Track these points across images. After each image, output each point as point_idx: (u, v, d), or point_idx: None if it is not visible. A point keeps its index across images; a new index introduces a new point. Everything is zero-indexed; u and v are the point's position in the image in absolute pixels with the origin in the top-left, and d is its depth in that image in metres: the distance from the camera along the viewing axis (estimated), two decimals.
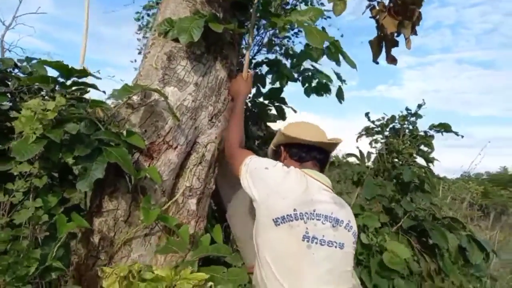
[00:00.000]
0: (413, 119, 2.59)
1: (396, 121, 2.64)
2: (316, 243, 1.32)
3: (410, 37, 1.91)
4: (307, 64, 2.48)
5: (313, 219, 1.34)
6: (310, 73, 2.50)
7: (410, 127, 2.60)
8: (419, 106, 2.54)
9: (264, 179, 1.43)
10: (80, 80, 1.44)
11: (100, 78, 1.54)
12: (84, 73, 1.40)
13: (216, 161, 1.87)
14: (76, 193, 1.51)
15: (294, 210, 1.34)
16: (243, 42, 2.13)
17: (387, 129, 2.64)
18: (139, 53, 4.27)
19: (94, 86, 1.47)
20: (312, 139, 1.53)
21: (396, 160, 2.45)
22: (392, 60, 2.03)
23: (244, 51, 1.98)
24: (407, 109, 2.62)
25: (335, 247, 1.34)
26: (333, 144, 1.60)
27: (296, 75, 2.56)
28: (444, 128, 2.39)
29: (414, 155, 2.41)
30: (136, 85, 1.50)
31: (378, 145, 2.61)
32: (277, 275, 1.30)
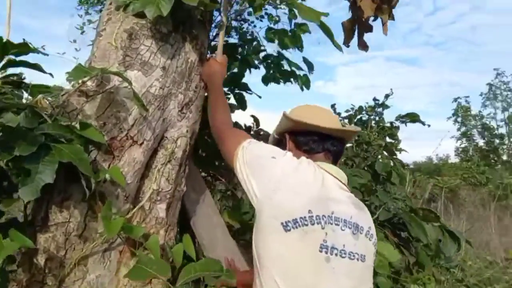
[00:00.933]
0: (380, 109, 2.56)
1: (364, 112, 2.58)
2: (336, 254, 1.06)
3: (387, 22, 1.82)
4: (270, 50, 2.31)
5: (331, 223, 1.08)
6: (273, 59, 2.33)
7: (377, 118, 2.56)
8: (387, 96, 2.51)
9: (270, 169, 1.13)
10: (17, 59, 1.11)
11: (47, 55, 1.22)
12: (24, 48, 1.07)
13: (187, 159, 1.62)
14: (15, 205, 1.19)
15: (309, 211, 1.06)
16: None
17: (355, 120, 2.58)
18: (82, 32, 3.79)
19: (38, 67, 1.14)
20: (326, 125, 1.24)
21: (365, 152, 2.38)
22: (363, 46, 1.92)
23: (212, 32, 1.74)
24: (374, 99, 2.58)
25: (357, 259, 1.09)
26: (351, 133, 1.36)
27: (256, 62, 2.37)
28: (411, 118, 2.37)
29: (383, 146, 2.36)
30: (93, 67, 1.20)
31: None
32: None
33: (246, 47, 2.38)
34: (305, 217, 1.05)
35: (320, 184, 1.13)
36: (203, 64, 1.64)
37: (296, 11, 1.35)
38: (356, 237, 1.12)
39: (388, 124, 2.44)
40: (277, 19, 2.21)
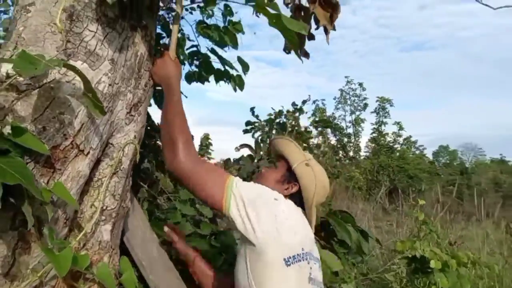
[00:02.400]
0: (296, 114, 2.65)
1: (283, 116, 2.64)
2: (318, 286, 1.23)
3: (330, 32, 1.89)
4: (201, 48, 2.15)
5: (312, 259, 1.22)
6: (200, 56, 2.18)
7: (293, 122, 2.65)
8: (304, 102, 2.61)
9: (274, 209, 1.19)
10: None
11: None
12: None
13: (133, 169, 1.38)
14: None
15: (302, 249, 1.19)
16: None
17: (274, 125, 2.61)
18: None
19: None
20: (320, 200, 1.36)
21: None
22: (305, 54, 1.96)
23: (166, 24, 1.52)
24: (293, 104, 2.65)
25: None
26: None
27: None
28: (325, 124, 2.53)
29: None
30: (55, 60, 0.90)
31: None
32: None
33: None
34: (300, 254, 1.18)
35: (306, 224, 1.29)
36: (152, 59, 1.42)
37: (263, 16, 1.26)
38: (320, 269, 1.29)
39: (303, 129, 2.57)
40: (211, 13, 2.07)
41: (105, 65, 1.18)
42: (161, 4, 1.58)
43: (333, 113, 25.35)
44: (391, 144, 23.15)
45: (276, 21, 1.36)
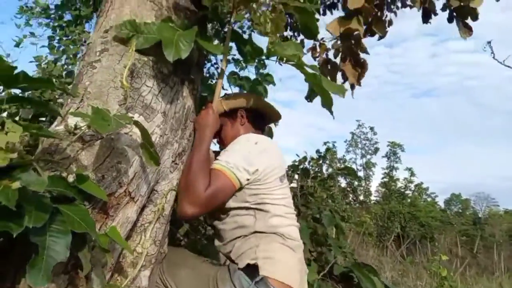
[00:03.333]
0: (320, 161, 2.70)
1: (307, 162, 2.69)
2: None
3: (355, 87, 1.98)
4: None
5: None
6: None
7: (317, 169, 2.69)
8: (327, 149, 2.67)
9: (258, 150, 1.43)
10: (22, 95, 0.84)
11: (76, 96, 0.94)
12: (45, 84, 0.81)
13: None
14: None
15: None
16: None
17: (298, 171, 2.66)
18: (17, 45, 3.05)
19: (49, 108, 0.88)
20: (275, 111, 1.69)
21: (308, 203, 2.47)
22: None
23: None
24: (317, 151, 2.71)
25: None
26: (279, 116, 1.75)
27: None
28: (348, 172, 2.56)
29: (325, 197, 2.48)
30: (124, 116, 0.98)
31: (293, 185, 2.58)
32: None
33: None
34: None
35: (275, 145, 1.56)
36: (196, 110, 1.51)
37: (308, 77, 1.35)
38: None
39: (326, 176, 2.61)
40: (244, 65, 2.19)
41: (158, 117, 1.27)
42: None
43: (343, 156, 25.31)
44: (402, 190, 22.83)
45: (313, 79, 1.44)
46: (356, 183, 25.02)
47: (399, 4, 2.72)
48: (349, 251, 2.30)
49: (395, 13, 3.53)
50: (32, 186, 0.72)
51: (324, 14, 3.45)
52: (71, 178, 0.99)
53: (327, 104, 1.52)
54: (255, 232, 1.38)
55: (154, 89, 1.28)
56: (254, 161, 1.38)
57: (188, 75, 1.45)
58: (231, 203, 1.41)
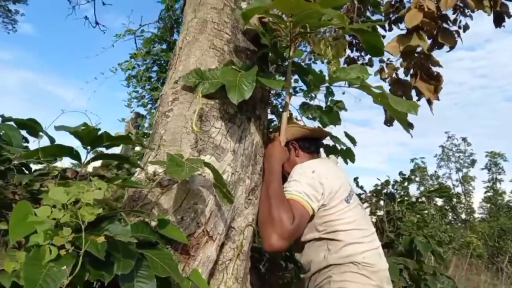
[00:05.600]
0: (405, 183, 2.52)
1: (390, 185, 2.53)
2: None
3: (433, 102, 1.85)
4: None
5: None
6: None
7: (402, 192, 2.52)
8: (412, 171, 2.48)
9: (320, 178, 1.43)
10: (107, 152, 0.94)
11: (152, 148, 1.05)
12: (125, 140, 0.91)
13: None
14: None
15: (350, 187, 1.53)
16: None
17: (381, 196, 2.51)
18: (128, 106, 3.60)
19: (130, 161, 0.97)
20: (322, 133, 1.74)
21: (396, 228, 2.29)
22: (409, 125, 1.93)
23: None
24: (400, 173, 2.55)
25: None
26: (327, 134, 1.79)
27: None
28: (440, 193, 2.35)
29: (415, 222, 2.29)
30: (196, 159, 1.05)
31: (380, 212, 2.44)
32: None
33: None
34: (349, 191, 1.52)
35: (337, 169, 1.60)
36: (265, 145, 1.54)
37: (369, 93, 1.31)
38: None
39: (414, 199, 2.41)
40: (314, 96, 2.19)
41: (228, 156, 1.32)
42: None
43: (435, 172, 23.35)
44: (511, 204, 20.14)
45: (381, 99, 1.38)
46: (454, 200, 22.77)
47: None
48: (450, 285, 2.02)
49: (471, 17, 3.27)
50: (118, 236, 0.78)
51: (391, 29, 3.33)
52: (153, 223, 1.07)
53: (402, 122, 1.45)
54: (329, 265, 1.37)
55: (223, 129, 1.34)
56: (317, 187, 1.40)
57: (253, 112, 1.50)
58: (305, 235, 1.42)
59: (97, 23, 4.48)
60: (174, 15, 3.77)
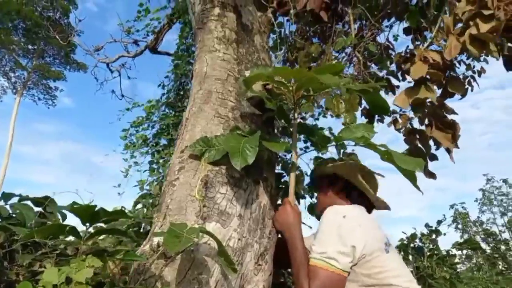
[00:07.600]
0: (433, 236, 2.39)
1: (417, 239, 2.40)
2: None
3: (453, 151, 1.80)
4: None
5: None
6: None
7: (431, 246, 2.37)
8: (439, 222, 2.37)
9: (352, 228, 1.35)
10: (104, 226, 0.97)
11: (149, 219, 1.08)
12: (121, 215, 0.94)
13: None
14: None
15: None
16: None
17: (409, 251, 2.38)
18: (126, 176, 3.76)
19: (130, 235, 1.00)
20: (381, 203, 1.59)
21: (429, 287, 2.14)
22: (430, 174, 1.87)
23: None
24: (427, 225, 2.43)
25: None
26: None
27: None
28: (470, 245, 2.20)
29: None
30: (196, 228, 1.06)
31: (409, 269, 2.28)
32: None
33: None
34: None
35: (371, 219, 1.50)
36: (274, 207, 1.53)
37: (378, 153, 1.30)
38: None
39: (444, 252, 2.26)
40: (326, 150, 2.19)
41: (234, 221, 1.31)
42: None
43: (478, 217, 21.98)
44: None
45: (387, 157, 1.36)
46: (503, 247, 21.10)
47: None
48: None
49: (486, 61, 3.26)
50: None
51: (404, 79, 3.36)
52: None
53: (411, 179, 1.41)
54: None
55: (228, 194, 1.35)
56: (348, 239, 1.32)
57: (260, 174, 1.51)
58: None
59: (122, 95, 4.85)
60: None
